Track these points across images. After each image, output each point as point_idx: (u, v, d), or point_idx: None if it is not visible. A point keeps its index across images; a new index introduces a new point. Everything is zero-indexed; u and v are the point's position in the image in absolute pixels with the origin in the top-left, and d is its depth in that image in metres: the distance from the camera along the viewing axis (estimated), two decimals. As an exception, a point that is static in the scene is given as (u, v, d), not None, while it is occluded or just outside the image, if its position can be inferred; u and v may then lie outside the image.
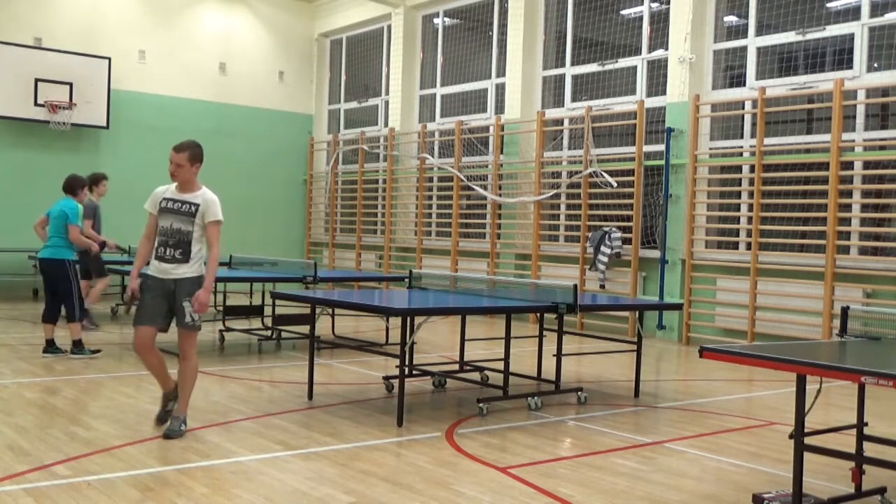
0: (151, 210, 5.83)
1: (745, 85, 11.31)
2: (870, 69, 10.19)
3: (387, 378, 7.47)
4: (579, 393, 7.22)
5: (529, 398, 6.84)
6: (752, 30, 11.24)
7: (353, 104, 17.92)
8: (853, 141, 10.14)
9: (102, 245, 10.55)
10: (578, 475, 5.02)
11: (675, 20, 11.68)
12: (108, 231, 11.19)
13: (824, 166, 10.12)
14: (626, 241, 12.01)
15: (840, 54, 10.49)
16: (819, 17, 10.63)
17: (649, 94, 12.33)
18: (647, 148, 12.00)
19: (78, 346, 8.57)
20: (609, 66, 12.96)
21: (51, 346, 8.67)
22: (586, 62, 13.30)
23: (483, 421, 6.35)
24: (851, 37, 10.29)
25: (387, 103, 16.73)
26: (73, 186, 8.74)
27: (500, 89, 14.52)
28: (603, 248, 11.99)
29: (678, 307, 9.69)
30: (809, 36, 10.68)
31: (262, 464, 5.04)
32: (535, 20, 13.89)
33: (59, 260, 8.48)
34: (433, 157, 15.32)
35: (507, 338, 6.77)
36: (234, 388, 7.38)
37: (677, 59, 11.58)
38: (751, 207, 10.73)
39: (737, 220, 11.27)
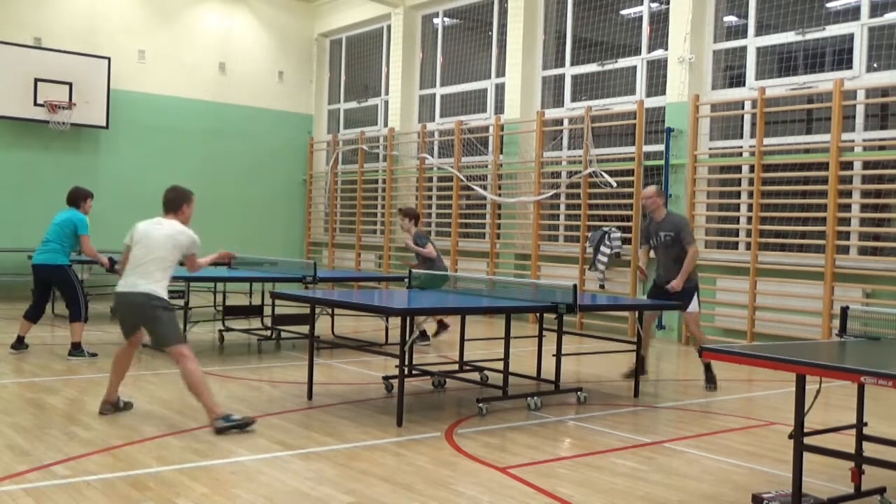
0: None
1: (744, 85, 11.31)
2: (869, 69, 10.19)
3: (386, 378, 7.47)
4: (579, 393, 7.22)
5: (529, 398, 6.84)
6: (751, 30, 11.24)
7: (353, 104, 17.92)
8: (853, 141, 10.14)
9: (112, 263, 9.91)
10: (578, 475, 5.02)
11: (674, 20, 11.68)
12: (107, 233, 11.15)
13: (824, 166, 10.12)
14: (626, 241, 12.00)
15: (840, 54, 10.49)
16: (819, 17, 10.63)
17: (649, 94, 12.33)
18: (646, 148, 11.99)
19: (77, 349, 8.58)
20: (609, 66, 12.95)
21: (20, 343, 8.81)
22: (586, 62, 13.30)
23: (483, 421, 6.34)
24: (851, 37, 10.29)
25: (386, 103, 16.73)
26: (76, 198, 8.79)
27: (500, 89, 14.52)
28: (602, 248, 11.99)
29: (678, 307, 9.67)
30: (809, 36, 10.68)
31: (261, 464, 5.04)
32: (534, 20, 13.89)
33: (56, 265, 8.57)
34: (433, 157, 15.32)
35: (507, 338, 6.77)
36: (233, 388, 7.37)
37: (677, 59, 11.58)
38: (750, 207, 10.73)
39: (736, 220, 11.27)
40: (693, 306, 8.23)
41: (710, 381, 8.07)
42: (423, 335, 10.27)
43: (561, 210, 13.37)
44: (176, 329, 6.13)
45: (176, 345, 6.00)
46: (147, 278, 6.02)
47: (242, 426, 5.77)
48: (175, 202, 6.37)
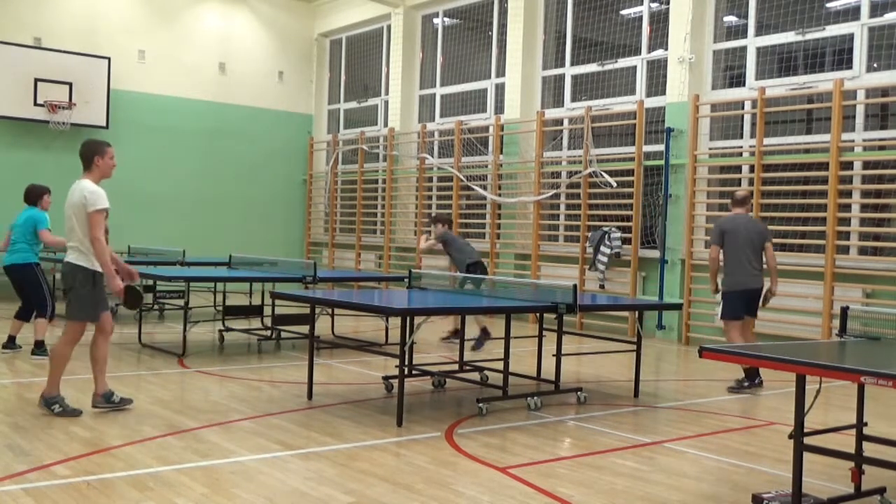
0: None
1: (744, 85, 11.31)
2: (869, 69, 10.19)
3: (386, 378, 7.47)
4: (579, 393, 7.22)
5: (529, 398, 6.84)
6: (751, 30, 11.24)
7: (353, 104, 17.92)
8: (853, 141, 10.14)
9: None
10: (578, 475, 5.02)
11: (674, 20, 11.68)
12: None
13: (824, 166, 10.12)
14: (626, 241, 12.00)
15: (840, 54, 10.49)
16: (819, 17, 10.63)
17: (649, 94, 12.33)
18: (646, 148, 11.99)
19: (39, 347, 8.61)
20: (609, 66, 12.95)
21: (11, 342, 8.92)
22: (586, 62, 13.30)
23: (482, 421, 6.34)
24: (851, 37, 10.29)
25: (386, 103, 16.73)
26: (33, 196, 9.08)
27: (500, 89, 14.52)
28: (602, 248, 11.99)
29: (678, 307, 9.69)
30: (809, 36, 10.68)
31: (261, 464, 5.04)
32: (534, 20, 13.89)
33: (25, 264, 8.71)
34: (433, 157, 15.32)
35: (507, 338, 6.76)
36: (233, 388, 7.37)
37: (677, 59, 11.58)
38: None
39: (736, 220, 11.25)
40: (721, 311, 8.24)
41: (743, 384, 7.96)
42: (484, 332, 10.05)
43: (561, 210, 13.37)
44: (83, 308, 6.08)
45: (76, 322, 6.10)
46: (72, 248, 6.05)
47: (69, 415, 5.97)
48: (86, 157, 6.17)
